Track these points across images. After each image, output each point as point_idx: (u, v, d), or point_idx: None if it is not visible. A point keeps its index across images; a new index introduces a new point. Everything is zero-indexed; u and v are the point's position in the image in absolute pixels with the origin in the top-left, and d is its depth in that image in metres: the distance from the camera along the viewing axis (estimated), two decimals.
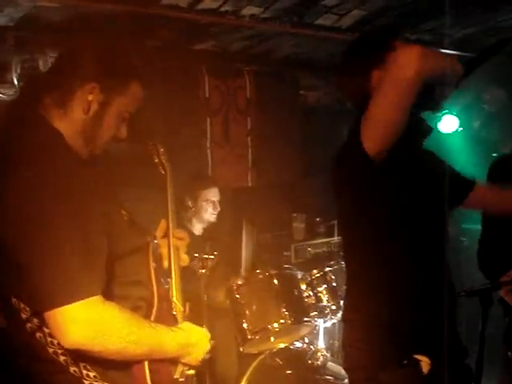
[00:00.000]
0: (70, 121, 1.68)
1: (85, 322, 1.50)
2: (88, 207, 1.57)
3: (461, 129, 5.72)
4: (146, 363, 1.67)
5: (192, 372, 1.78)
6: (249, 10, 3.58)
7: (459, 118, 5.66)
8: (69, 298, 1.48)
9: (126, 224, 1.84)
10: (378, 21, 3.97)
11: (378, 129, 1.94)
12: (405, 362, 1.96)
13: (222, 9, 3.52)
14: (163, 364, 1.74)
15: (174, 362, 1.76)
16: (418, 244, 2.06)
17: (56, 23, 3.51)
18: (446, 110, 5.62)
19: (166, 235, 2.01)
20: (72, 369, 1.60)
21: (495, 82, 5.52)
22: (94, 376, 1.61)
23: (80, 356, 1.57)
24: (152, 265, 1.84)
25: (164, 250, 1.98)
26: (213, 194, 4.14)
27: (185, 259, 2.03)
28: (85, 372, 1.60)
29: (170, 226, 2.01)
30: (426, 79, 1.83)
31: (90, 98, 1.67)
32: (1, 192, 1.54)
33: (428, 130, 2.25)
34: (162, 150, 2.27)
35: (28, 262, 1.50)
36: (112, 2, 3.24)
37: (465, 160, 5.58)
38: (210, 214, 4.12)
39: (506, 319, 2.88)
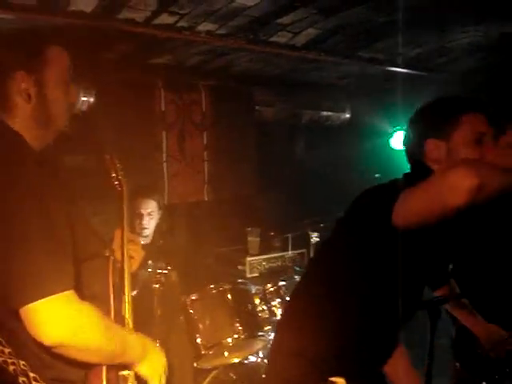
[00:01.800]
0: (21, 117, 1.70)
1: (63, 317, 1.49)
2: (52, 205, 1.58)
3: None
4: (105, 378, 1.65)
5: (128, 372, 1.76)
6: (205, 26, 3.60)
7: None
8: (42, 292, 1.47)
9: (88, 234, 1.84)
10: (332, 39, 4.05)
11: (410, 215, 1.88)
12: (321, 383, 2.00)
13: (179, 24, 3.54)
14: (116, 380, 1.73)
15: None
16: (389, 310, 2.08)
17: (11, 35, 3.47)
18: (398, 127, 5.74)
19: (120, 247, 2.02)
20: (21, 379, 1.58)
21: None
22: None
23: (61, 357, 1.56)
24: (111, 279, 1.84)
25: (118, 264, 1.99)
26: (142, 206, 3.95)
27: (136, 263, 2.06)
28: (34, 383, 1.59)
29: (125, 239, 2.01)
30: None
31: (24, 85, 1.70)
32: None
33: None
34: (119, 165, 2.28)
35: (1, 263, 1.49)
36: (68, 15, 3.22)
37: None
38: (137, 225, 3.94)
39: (453, 331, 2.95)
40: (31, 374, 1.58)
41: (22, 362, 1.58)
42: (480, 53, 4.68)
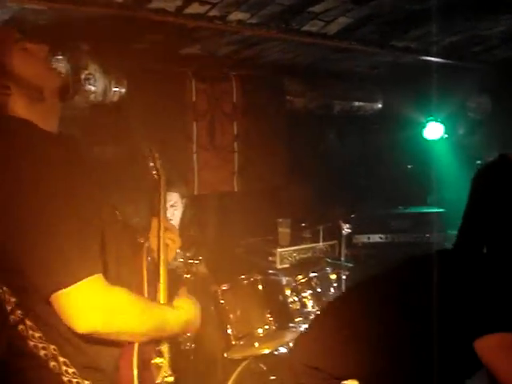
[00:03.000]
0: (18, 98, 1.70)
1: (94, 301, 1.50)
2: (78, 190, 1.59)
3: (445, 136, 5.77)
4: (135, 366, 1.65)
5: (171, 379, 1.77)
6: (236, 16, 3.57)
7: (444, 125, 5.71)
8: (71, 278, 1.48)
9: (120, 225, 1.85)
10: (364, 28, 4.00)
11: None
12: None
13: (210, 13, 3.52)
14: (148, 371, 1.74)
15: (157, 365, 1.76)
16: None
17: (42, 26, 3.50)
18: (431, 117, 5.66)
19: (156, 235, 2.02)
20: (52, 363, 1.59)
21: (480, 90, 5.57)
22: (73, 372, 1.60)
23: (93, 342, 1.57)
24: (145, 268, 1.85)
25: (154, 253, 2.00)
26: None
27: (172, 256, 2.06)
28: (64, 368, 1.59)
29: (161, 227, 2.02)
30: None
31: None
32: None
33: None
34: (156, 155, 2.30)
35: (22, 249, 1.50)
36: (99, 5, 3.23)
37: (449, 167, 5.63)
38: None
39: None
40: (61, 359, 1.59)
41: (52, 347, 1.59)
42: None
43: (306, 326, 3.62)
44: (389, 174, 5.78)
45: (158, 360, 1.75)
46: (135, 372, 1.65)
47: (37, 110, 1.72)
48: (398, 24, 4.01)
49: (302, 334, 2.47)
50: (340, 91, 5.46)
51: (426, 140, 5.75)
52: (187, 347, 3.25)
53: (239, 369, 3.53)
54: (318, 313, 3.52)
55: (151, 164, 2.27)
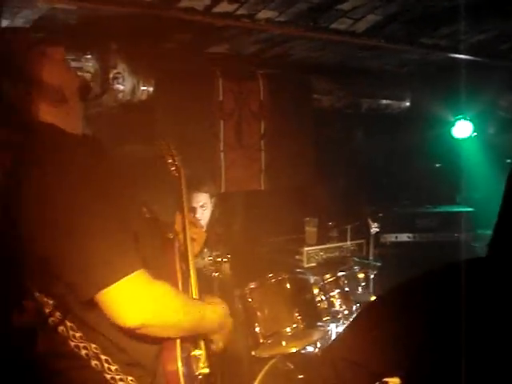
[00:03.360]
0: (42, 103, 1.71)
1: (139, 296, 1.52)
2: (112, 189, 1.61)
3: (475, 134, 5.71)
4: (180, 359, 1.68)
5: (207, 371, 1.78)
6: (264, 14, 3.57)
7: (473, 124, 5.64)
8: (114, 276, 1.50)
9: (150, 221, 1.86)
10: (392, 25, 3.96)
11: None
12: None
13: (238, 12, 3.52)
14: (189, 365, 1.75)
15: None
16: None
17: (72, 25, 3.53)
18: (461, 116, 5.61)
19: (182, 230, 2.04)
20: (93, 362, 1.61)
21: (510, 88, 5.50)
22: (116, 369, 1.62)
23: (134, 339, 1.59)
24: (178, 260, 1.87)
25: (181, 247, 2.01)
26: (196, 199, 3.96)
27: (198, 246, 2.08)
28: (106, 365, 1.61)
29: (186, 222, 2.03)
30: None
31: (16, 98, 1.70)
32: (28, 203, 1.55)
33: None
34: (174, 150, 2.31)
35: (61, 253, 1.52)
36: (128, 4, 3.25)
37: (478, 166, 5.57)
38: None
39: None
40: (103, 357, 1.61)
41: (93, 346, 1.61)
42: None
43: (334, 325, 3.63)
44: (417, 173, 5.74)
45: (196, 352, 1.79)
46: (180, 366, 1.69)
47: (60, 113, 1.74)
48: (426, 21, 3.98)
49: (344, 329, 2.45)
50: (368, 89, 5.43)
51: (454, 139, 5.69)
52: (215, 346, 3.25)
53: (266, 367, 3.53)
54: (360, 310, 3.52)
55: (170, 161, 2.27)
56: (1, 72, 1.68)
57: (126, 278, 1.51)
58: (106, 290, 1.50)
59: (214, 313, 1.80)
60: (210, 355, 1.84)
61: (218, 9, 3.43)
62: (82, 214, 1.52)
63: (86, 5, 3.27)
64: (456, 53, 4.65)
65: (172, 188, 2.31)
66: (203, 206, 3.99)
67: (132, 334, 1.58)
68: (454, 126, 5.67)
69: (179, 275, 1.85)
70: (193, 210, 3.97)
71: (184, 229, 2.03)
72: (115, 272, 1.51)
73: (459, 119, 5.63)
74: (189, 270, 1.90)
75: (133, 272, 1.53)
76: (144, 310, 1.53)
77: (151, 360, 1.69)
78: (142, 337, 1.61)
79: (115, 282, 1.50)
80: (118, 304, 1.51)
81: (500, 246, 2.86)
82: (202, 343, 1.82)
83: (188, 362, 1.74)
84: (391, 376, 1.89)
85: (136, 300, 1.52)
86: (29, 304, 1.68)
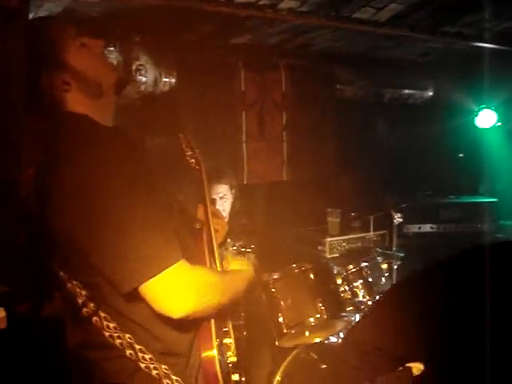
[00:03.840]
0: (75, 99, 1.72)
1: (183, 285, 1.54)
2: (149, 181, 1.62)
3: (499, 124, 5.65)
4: (216, 346, 1.73)
5: (235, 359, 1.81)
6: (286, 4, 3.57)
7: (497, 113, 5.59)
8: (158, 267, 1.52)
9: (179, 212, 1.88)
10: (415, 14, 3.93)
11: None
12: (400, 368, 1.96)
13: (260, 2, 3.52)
14: (221, 348, 1.79)
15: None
16: None
17: (94, 18, 3.55)
18: (484, 105, 5.55)
19: (205, 221, 2.06)
20: (128, 352, 1.63)
21: None
22: (150, 358, 1.64)
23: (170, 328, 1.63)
24: (207, 250, 1.89)
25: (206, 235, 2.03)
26: (216, 191, 3.99)
27: (220, 236, 2.10)
28: (141, 355, 1.63)
29: (209, 213, 2.04)
30: None
31: (56, 80, 1.70)
32: (66, 194, 1.55)
33: None
34: (193, 143, 2.30)
35: (101, 246, 1.53)
36: None
37: (502, 156, 5.52)
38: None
39: None
40: (137, 346, 1.63)
41: (127, 336, 1.63)
42: None
43: (358, 315, 3.62)
44: (440, 163, 5.70)
45: (227, 340, 1.83)
46: (216, 353, 1.72)
47: (95, 105, 1.75)
48: (449, 10, 3.94)
49: (365, 314, 2.46)
50: (390, 79, 5.40)
51: (478, 128, 5.63)
52: (240, 335, 3.27)
53: (290, 357, 3.54)
54: (381, 295, 3.53)
55: (189, 153, 2.28)
56: (39, 59, 1.69)
57: (169, 268, 1.52)
58: (149, 282, 1.51)
59: (244, 278, 1.87)
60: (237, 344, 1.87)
61: None
62: (122, 206, 1.52)
63: None
64: (479, 41, 4.60)
65: (193, 179, 2.31)
66: (223, 197, 4.01)
67: (170, 322, 1.60)
68: (477, 115, 5.62)
69: (208, 265, 1.88)
70: (213, 201, 3.99)
71: (207, 220, 2.04)
72: (158, 263, 1.52)
73: (483, 109, 5.58)
74: (215, 260, 1.92)
75: (175, 262, 1.54)
76: (189, 299, 1.55)
77: (186, 348, 1.71)
78: (178, 325, 1.63)
79: (159, 273, 1.51)
80: (164, 295, 1.53)
81: None
82: (232, 332, 1.86)
83: (221, 349, 1.77)
84: (414, 361, 1.90)
85: (181, 290, 1.54)
86: (60, 294, 1.71)
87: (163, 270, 1.51)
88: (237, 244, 3.51)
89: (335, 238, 4.74)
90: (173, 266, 1.53)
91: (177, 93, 4.27)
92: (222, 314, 1.79)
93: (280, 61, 4.84)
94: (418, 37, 4.34)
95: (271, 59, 4.81)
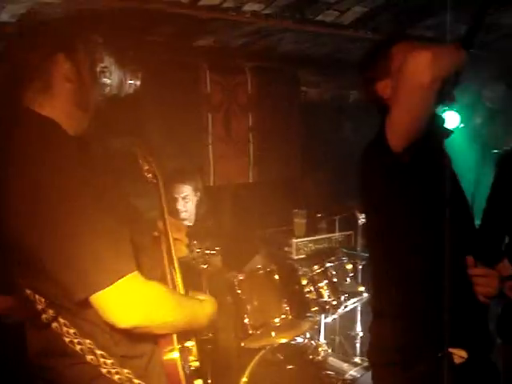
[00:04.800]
0: (59, 98, 1.71)
1: (133, 299, 1.53)
2: (102, 189, 1.60)
3: (462, 125, 5.73)
4: (178, 350, 1.71)
5: (197, 364, 1.80)
6: (250, 7, 3.57)
7: (460, 115, 5.67)
8: (109, 278, 1.50)
9: (138, 219, 1.86)
10: (379, 17, 3.97)
11: (401, 131, 1.97)
12: (439, 354, 1.99)
13: (224, 5, 3.52)
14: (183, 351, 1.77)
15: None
16: (443, 238, 2.07)
17: (57, 19, 3.51)
18: (447, 107, 5.63)
19: (165, 236, 2.02)
20: (89, 357, 1.62)
21: (496, 78, 5.53)
22: (112, 363, 1.63)
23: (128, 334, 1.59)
24: (166, 259, 1.87)
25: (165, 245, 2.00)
26: (178, 191, 4.00)
27: (183, 251, 2.08)
28: (102, 360, 1.62)
29: (168, 228, 2.00)
30: (442, 79, 1.83)
31: (65, 68, 1.71)
32: (17, 198, 1.53)
33: (448, 130, 2.28)
34: (151, 158, 2.25)
35: (54, 254, 1.51)
36: None
37: (465, 156, 5.60)
38: (175, 210, 3.97)
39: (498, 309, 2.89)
40: (98, 352, 1.62)
41: (87, 341, 1.61)
42: None
43: (323, 315, 3.66)
44: None
45: (189, 343, 1.79)
46: (178, 356, 1.71)
47: (70, 111, 1.73)
48: (412, 13, 3.99)
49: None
50: (355, 81, 5.43)
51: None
52: (205, 337, 3.27)
53: (256, 358, 3.55)
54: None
55: (146, 167, 2.21)
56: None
57: (120, 280, 1.51)
58: (100, 293, 1.50)
59: (204, 309, 1.82)
60: (200, 348, 1.85)
61: (203, 1, 3.42)
62: (74, 214, 1.51)
63: None
64: (443, 44, 4.66)
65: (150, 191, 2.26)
66: (185, 197, 4.01)
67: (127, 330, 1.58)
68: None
69: (167, 273, 1.85)
70: (174, 200, 3.98)
71: (166, 232, 2.00)
72: (110, 274, 1.50)
73: (446, 110, 5.66)
74: (175, 270, 1.90)
75: (127, 274, 1.53)
76: (138, 313, 1.54)
77: (147, 349, 1.70)
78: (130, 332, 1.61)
79: (109, 285, 1.50)
80: (113, 306, 1.51)
81: (489, 231, 2.94)
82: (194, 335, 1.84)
83: (183, 353, 1.75)
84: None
85: (130, 302, 1.52)
86: (19, 301, 1.69)
87: (114, 282, 1.50)
88: (202, 246, 3.51)
89: (301, 239, 4.76)
90: (124, 279, 1.51)
91: (142, 95, 4.25)
92: (177, 332, 1.74)
93: (245, 63, 4.85)
94: (381, 39, 4.38)
95: (236, 61, 4.82)
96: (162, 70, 4.31)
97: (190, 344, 1.80)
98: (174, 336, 1.72)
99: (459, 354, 2.00)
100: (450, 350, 2.00)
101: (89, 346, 1.62)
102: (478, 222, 3.17)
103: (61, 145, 1.60)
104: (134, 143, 2.17)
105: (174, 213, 3.98)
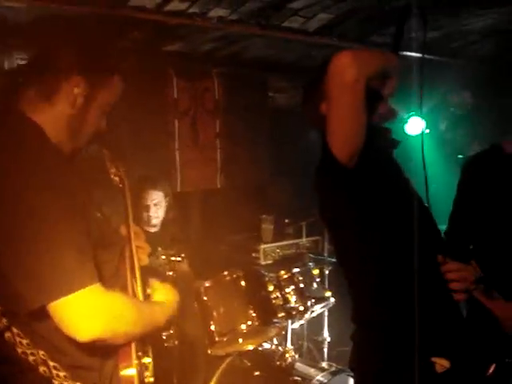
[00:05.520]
0: (55, 115, 1.67)
1: (94, 310, 1.50)
2: (71, 197, 1.56)
3: (427, 131, 5.80)
4: (135, 365, 1.68)
5: (152, 380, 1.77)
6: (216, 12, 3.58)
7: (426, 120, 5.74)
8: (70, 287, 1.47)
9: (103, 225, 1.83)
10: (344, 24, 4.01)
11: (339, 136, 2.00)
12: (421, 363, 2.00)
13: (190, 10, 3.52)
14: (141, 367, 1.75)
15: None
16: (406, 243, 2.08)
17: (22, 25, 3.48)
18: (413, 112, 5.69)
19: (128, 242, 2.00)
20: (42, 369, 1.59)
21: (461, 85, 5.61)
22: (64, 375, 1.60)
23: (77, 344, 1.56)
24: (128, 268, 1.85)
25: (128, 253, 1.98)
26: (151, 197, 3.97)
27: (144, 259, 2.06)
28: (55, 372, 1.59)
29: (132, 234, 1.98)
30: (369, 77, 1.90)
31: (76, 91, 1.67)
32: None
33: (395, 141, 2.32)
34: (119, 163, 2.22)
35: (13, 260, 1.48)
36: (79, 3, 3.21)
37: (430, 161, 5.66)
38: (145, 216, 3.96)
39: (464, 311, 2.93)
40: (51, 363, 1.59)
41: (41, 352, 1.59)
42: (495, 37, 4.61)
43: (289, 321, 3.66)
44: None
45: (146, 360, 1.77)
46: (135, 372, 1.68)
47: (59, 132, 1.70)
48: (377, 20, 4.03)
49: None
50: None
51: (407, 135, 5.77)
52: (171, 344, 3.25)
53: (223, 365, 3.54)
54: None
55: (113, 170, 2.16)
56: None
57: (80, 291, 1.48)
58: (58, 302, 1.47)
59: (163, 312, 1.80)
60: (157, 361, 1.83)
61: (169, 7, 3.42)
62: (39, 222, 1.48)
63: (36, 3, 3.23)
64: (407, 51, 4.71)
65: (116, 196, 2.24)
66: (157, 204, 4.00)
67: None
68: (406, 122, 5.76)
69: (129, 282, 1.83)
70: (146, 207, 3.96)
71: (129, 239, 1.98)
72: (70, 283, 1.48)
73: (411, 116, 5.72)
74: (136, 279, 1.88)
75: (87, 285, 1.50)
76: (96, 325, 1.50)
77: (99, 361, 1.67)
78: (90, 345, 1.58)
79: (68, 294, 1.47)
80: (71, 317, 1.48)
81: (454, 235, 2.97)
82: (150, 351, 1.81)
83: (140, 368, 1.73)
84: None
85: (89, 314, 1.50)
86: None
87: (73, 292, 1.47)
88: (168, 253, 3.49)
89: (269, 245, 4.78)
90: (84, 289, 1.49)
91: None
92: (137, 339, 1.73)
93: (213, 69, 4.86)
94: (346, 46, 4.41)
95: (204, 67, 4.82)
96: (130, 76, 4.28)
97: (147, 360, 1.77)
98: (133, 352, 1.69)
99: (441, 363, 2.01)
100: (433, 359, 2.01)
101: (42, 357, 1.59)
102: (439, 226, 3.22)
103: (38, 147, 1.58)
104: (102, 146, 2.14)
105: (145, 219, 3.96)
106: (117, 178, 2.15)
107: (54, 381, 1.59)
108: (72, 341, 1.53)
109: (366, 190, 2.09)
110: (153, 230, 4.00)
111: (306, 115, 2.39)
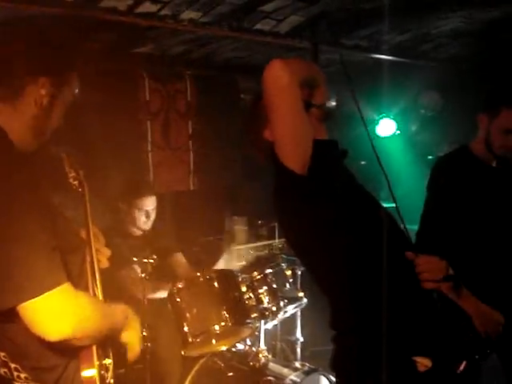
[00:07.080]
0: (19, 115, 1.65)
1: (63, 311, 1.50)
2: (37, 198, 1.56)
3: (398, 132, 5.87)
4: (96, 366, 1.68)
5: (112, 382, 1.78)
6: (188, 15, 3.59)
7: (396, 122, 5.81)
8: (40, 289, 1.47)
9: (67, 227, 1.83)
10: (315, 27, 4.05)
11: (288, 141, 2.09)
12: (403, 364, 2.02)
13: (162, 13, 3.52)
14: (102, 369, 1.74)
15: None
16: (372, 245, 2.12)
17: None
18: (384, 114, 5.76)
19: (88, 245, 1.98)
20: (2, 370, 1.59)
21: (432, 86, 5.69)
22: (25, 377, 1.59)
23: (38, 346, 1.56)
24: (89, 270, 1.84)
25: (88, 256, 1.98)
26: (146, 203, 3.94)
27: (104, 262, 2.06)
28: (16, 373, 1.59)
29: (92, 237, 1.97)
30: (299, 82, 2.04)
31: (43, 92, 1.65)
32: None
33: (343, 151, 2.40)
34: (77, 164, 2.20)
35: None
36: (50, 4, 3.20)
37: (401, 163, 5.73)
38: (142, 222, 3.94)
39: None
40: (12, 365, 1.59)
41: (2, 354, 1.58)
42: (464, 39, 4.69)
43: (262, 321, 3.67)
44: None
45: (107, 361, 1.77)
46: (97, 373, 1.68)
47: (21, 132, 1.68)
48: (347, 23, 4.08)
49: None
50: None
51: (378, 137, 5.83)
52: (143, 346, 3.25)
53: (197, 366, 3.55)
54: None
55: (72, 174, 2.13)
56: None
57: (50, 291, 1.48)
58: (28, 303, 1.46)
59: (122, 315, 1.82)
60: (119, 365, 1.84)
61: (140, 9, 3.42)
62: (7, 224, 1.47)
63: (5, 4, 3.20)
64: (377, 53, 4.78)
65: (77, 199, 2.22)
66: (154, 209, 3.96)
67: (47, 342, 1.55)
68: (377, 124, 5.82)
69: (90, 284, 1.83)
70: (146, 213, 3.92)
71: (89, 242, 1.97)
72: (40, 285, 1.47)
73: (382, 118, 5.79)
74: (96, 282, 1.88)
75: (58, 285, 1.50)
76: (67, 324, 1.51)
77: (67, 366, 1.67)
78: (56, 344, 1.58)
79: (39, 294, 1.47)
80: (42, 318, 1.48)
81: (426, 235, 3.02)
82: (111, 353, 1.81)
83: (101, 369, 1.72)
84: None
85: (60, 315, 1.50)
86: None
87: (44, 293, 1.47)
88: (140, 254, 3.48)
89: (242, 246, 4.79)
90: (55, 290, 1.49)
91: (80, 102, 4.19)
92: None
93: (184, 70, 4.86)
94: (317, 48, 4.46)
95: (176, 69, 4.82)
96: (101, 77, 4.27)
97: (108, 361, 1.77)
98: (94, 353, 1.69)
99: (423, 363, 2.03)
100: (415, 358, 2.03)
101: (3, 358, 1.58)
102: (411, 226, 3.26)
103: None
104: (61, 150, 2.12)
105: (142, 224, 3.93)
106: (76, 182, 2.13)
107: (14, 382, 1.59)
108: (38, 341, 1.53)
109: (324, 198, 2.13)
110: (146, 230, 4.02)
111: (252, 146, 2.46)
